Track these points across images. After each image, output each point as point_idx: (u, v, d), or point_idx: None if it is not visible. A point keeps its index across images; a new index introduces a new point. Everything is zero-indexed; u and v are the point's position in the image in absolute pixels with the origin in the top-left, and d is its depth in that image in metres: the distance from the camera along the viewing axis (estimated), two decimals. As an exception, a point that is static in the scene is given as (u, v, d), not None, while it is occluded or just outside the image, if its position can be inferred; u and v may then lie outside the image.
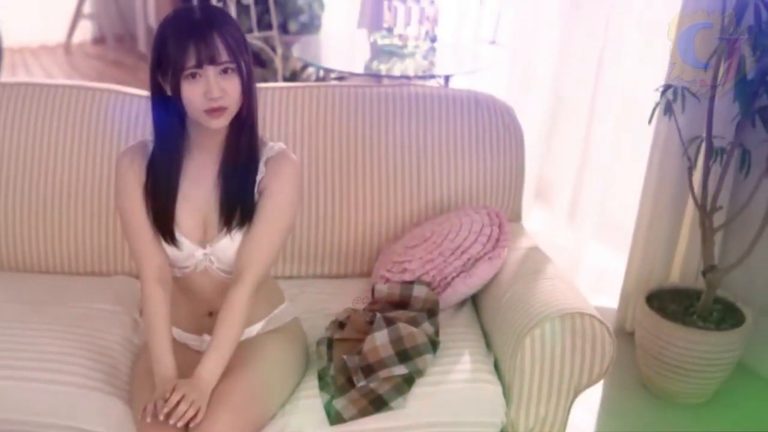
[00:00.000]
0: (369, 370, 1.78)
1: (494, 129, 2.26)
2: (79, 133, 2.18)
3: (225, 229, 1.67)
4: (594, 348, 1.73)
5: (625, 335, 2.85)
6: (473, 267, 1.96)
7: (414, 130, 2.22)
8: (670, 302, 2.61)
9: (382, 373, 1.76)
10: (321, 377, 1.80)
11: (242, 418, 1.59)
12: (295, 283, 2.17)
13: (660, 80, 2.57)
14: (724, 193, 2.50)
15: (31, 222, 2.18)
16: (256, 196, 1.69)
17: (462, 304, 2.08)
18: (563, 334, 1.71)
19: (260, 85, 2.32)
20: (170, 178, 1.67)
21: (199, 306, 1.78)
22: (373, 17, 4.24)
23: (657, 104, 2.42)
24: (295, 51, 3.57)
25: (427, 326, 1.88)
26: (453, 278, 1.97)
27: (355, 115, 2.21)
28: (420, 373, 1.78)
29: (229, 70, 1.57)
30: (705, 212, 2.43)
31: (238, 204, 1.67)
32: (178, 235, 1.69)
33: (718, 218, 2.47)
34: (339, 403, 1.70)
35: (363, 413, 1.70)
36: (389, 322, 1.84)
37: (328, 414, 1.69)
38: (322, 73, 3.64)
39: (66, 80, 2.43)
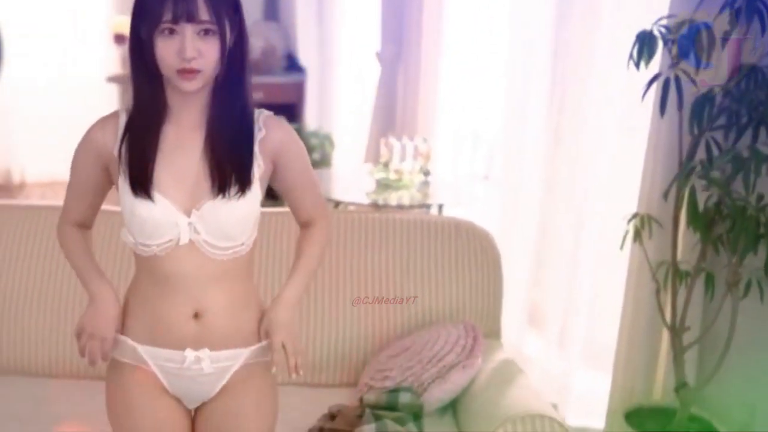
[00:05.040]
0: (355, 461, 1.92)
1: (473, 252, 2.47)
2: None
3: (220, 196, 1.52)
4: (554, 449, 1.87)
5: (611, 454, 2.94)
6: (448, 374, 2.13)
7: (399, 252, 2.44)
8: (649, 420, 2.72)
9: (367, 465, 1.90)
10: None
11: None
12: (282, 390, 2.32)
13: (633, 208, 2.80)
14: (694, 314, 2.66)
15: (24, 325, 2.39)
16: (257, 156, 1.57)
17: (444, 411, 2.22)
18: (523, 435, 1.86)
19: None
20: (149, 131, 1.53)
21: (182, 304, 1.58)
22: (377, 153, 4.55)
23: (626, 232, 2.64)
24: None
25: (411, 426, 2.03)
26: (429, 384, 2.13)
27: (344, 237, 2.44)
28: (401, 469, 1.92)
29: (210, 32, 1.45)
30: (674, 332, 2.59)
31: (232, 169, 1.53)
32: (155, 193, 1.52)
33: (691, 337, 2.62)
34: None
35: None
36: (377, 417, 2.00)
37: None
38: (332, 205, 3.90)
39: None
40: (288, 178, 1.65)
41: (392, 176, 3.67)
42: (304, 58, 6.05)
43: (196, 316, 1.59)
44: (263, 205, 1.63)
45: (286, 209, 2.53)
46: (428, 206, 3.54)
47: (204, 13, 1.44)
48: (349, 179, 4.25)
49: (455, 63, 4.25)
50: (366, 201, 3.67)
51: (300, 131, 5.48)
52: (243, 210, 1.56)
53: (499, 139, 3.91)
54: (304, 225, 1.73)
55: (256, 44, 5.88)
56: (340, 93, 5.57)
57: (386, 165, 3.70)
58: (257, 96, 1.62)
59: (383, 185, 3.70)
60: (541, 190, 3.63)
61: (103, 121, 1.60)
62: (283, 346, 1.59)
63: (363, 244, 2.44)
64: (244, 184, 1.54)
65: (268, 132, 1.59)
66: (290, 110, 5.69)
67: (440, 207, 3.57)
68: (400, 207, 3.47)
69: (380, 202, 3.53)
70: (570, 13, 3.31)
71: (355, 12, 5.32)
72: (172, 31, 1.45)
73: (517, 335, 3.62)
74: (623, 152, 3.13)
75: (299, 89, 6.11)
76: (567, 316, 3.51)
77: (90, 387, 2.24)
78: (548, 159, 3.55)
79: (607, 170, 3.26)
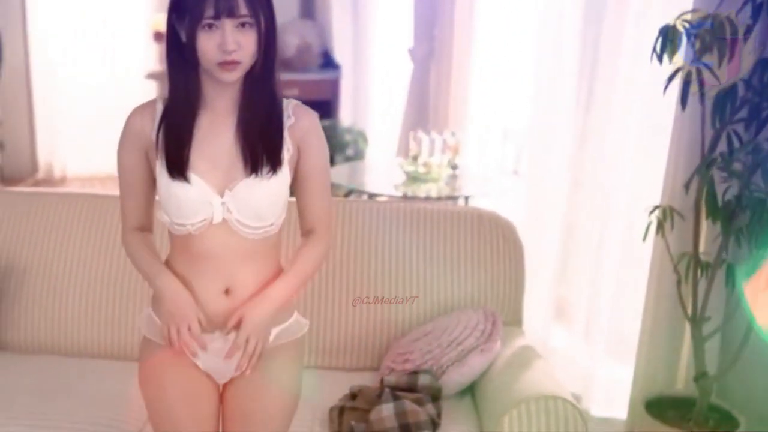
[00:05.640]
0: (373, 438, 2.00)
1: (496, 242, 2.53)
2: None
3: (253, 176, 1.62)
4: (567, 430, 1.92)
5: (633, 444, 2.98)
6: (466, 357, 2.20)
7: (423, 241, 2.51)
8: (669, 409, 2.76)
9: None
10: None
11: None
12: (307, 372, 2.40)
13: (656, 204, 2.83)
14: (715, 305, 2.68)
15: (67, 305, 2.51)
16: (286, 140, 1.66)
17: (463, 395, 2.29)
18: (538, 415, 1.91)
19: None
20: (185, 119, 1.63)
21: (213, 280, 1.68)
22: (408, 147, 4.63)
23: (649, 224, 2.68)
24: (341, 178, 3.95)
25: (430, 407, 2.10)
26: (448, 367, 2.20)
27: (370, 225, 2.52)
28: (418, 447, 1.98)
29: (247, 25, 1.55)
30: (694, 323, 2.62)
31: (263, 149, 1.62)
32: (191, 174, 1.62)
33: (711, 328, 2.65)
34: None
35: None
36: (396, 397, 2.07)
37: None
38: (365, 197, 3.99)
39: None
40: (306, 167, 1.70)
41: (421, 169, 3.75)
42: (340, 55, 6.14)
43: (227, 292, 1.68)
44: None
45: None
46: (455, 198, 3.61)
47: (243, 8, 1.53)
48: (381, 172, 4.35)
49: (486, 60, 4.32)
50: (396, 193, 3.76)
51: (335, 127, 5.57)
52: (273, 190, 1.65)
53: (528, 135, 3.97)
54: (306, 234, 1.76)
55: (292, 42, 5.98)
56: (374, 89, 5.65)
57: (415, 158, 3.78)
58: (293, 92, 1.70)
59: (412, 178, 3.79)
60: (567, 185, 3.67)
61: (141, 108, 1.70)
62: (247, 342, 1.64)
63: (388, 232, 2.52)
64: (275, 164, 1.63)
65: (297, 119, 1.67)
66: (325, 107, 5.78)
67: (466, 199, 3.64)
68: (428, 199, 3.55)
69: (409, 194, 3.62)
70: (598, 12, 3.35)
71: (389, 10, 5.40)
72: (211, 26, 1.53)
73: (543, 328, 3.67)
74: (648, 149, 3.17)
75: (334, 86, 6.20)
76: (591, 309, 3.55)
77: (123, 367, 2.36)
78: (575, 154, 3.59)
79: (632, 167, 3.29)
